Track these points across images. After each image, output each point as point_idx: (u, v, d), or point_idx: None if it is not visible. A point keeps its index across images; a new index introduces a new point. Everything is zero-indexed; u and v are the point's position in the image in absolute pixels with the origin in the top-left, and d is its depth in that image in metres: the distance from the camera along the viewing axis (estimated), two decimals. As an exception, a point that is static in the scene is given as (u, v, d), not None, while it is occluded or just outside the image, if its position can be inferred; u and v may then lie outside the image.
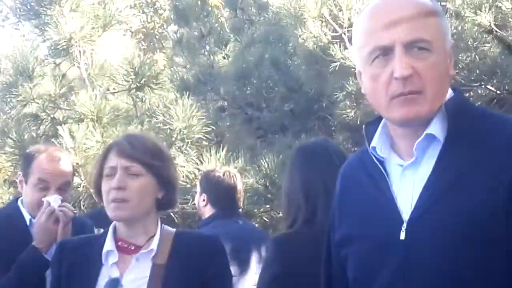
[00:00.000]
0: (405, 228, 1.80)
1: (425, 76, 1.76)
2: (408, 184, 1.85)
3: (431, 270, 1.78)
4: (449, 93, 1.88)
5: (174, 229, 2.53)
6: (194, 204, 4.96)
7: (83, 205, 5.70)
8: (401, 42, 1.75)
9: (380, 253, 1.85)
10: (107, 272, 2.39)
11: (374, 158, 1.89)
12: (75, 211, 3.23)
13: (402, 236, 1.80)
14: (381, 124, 1.91)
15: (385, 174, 1.88)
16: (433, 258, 1.77)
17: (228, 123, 7.50)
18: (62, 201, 2.91)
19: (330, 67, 6.49)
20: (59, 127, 6.82)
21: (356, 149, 4.74)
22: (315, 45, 6.78)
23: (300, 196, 2.88)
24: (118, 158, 2.43)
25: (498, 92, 6.70)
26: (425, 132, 1.79)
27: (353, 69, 6.85)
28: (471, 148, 1.79)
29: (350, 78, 6.43)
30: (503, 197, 1.71)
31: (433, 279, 1.77)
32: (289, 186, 3.05)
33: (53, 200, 2.97)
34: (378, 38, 1.79)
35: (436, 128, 1.79)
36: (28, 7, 7.08)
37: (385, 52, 1.77)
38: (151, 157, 2.47)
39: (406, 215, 1.79)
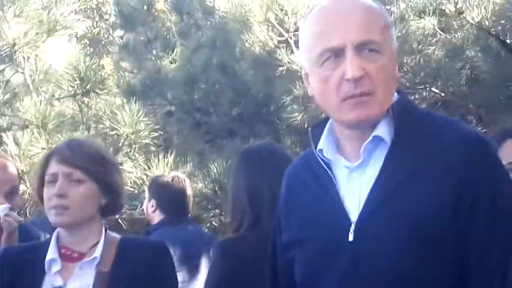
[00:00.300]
0: (353, 229, 1.80)
1: (376, 78, 1.77)
2: (355, 186, 1.86)
3: (379, 271, 1.78)
4: (394, 95, 1.91)
5: (119, 236, 2.51)
6: (143, 210, 4.94)
7: (29, 212, 5.65)
8: (351, 43, 1.75)
9: (328, 255, 1.85)
10: (50, 281, 2.37)
11: (320, 160, 1.88)
12: (21, 220, 3.19)
13: (351, 237, 1.80)
14: (327, 126, 1.91)
15: (332, 176, 1.87)
16: (381, 259, 1.78)
17: (176, 128, 7.49)
18: (10, 209, 2.87)
19: (277, 71, 6.54)
20: (3, 134, 6.77)
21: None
22: (261, 50, 6.84)
23: (245, 200, 2.89)
24: (59, 165, 2.42)
25: (443, 94, 6.80)
26: (372, 134, 1.79)
27: (299, 73, 6.93)
28: (417, 151, 1.81)
29: (297, 82, 6.45)
30: (448, 199, 1.73)
31: (380, 281, 1.78)
32: (234, 190, 3.05)
33: (1, 209, 2.94)
34: (328, 40, 1.79)
35: (383, 130, 1.81)
36: None
37: (336, 53, 1.76)
38: (93, 163, 2.46)
39: (354, 216, 1.80)
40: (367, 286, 1.79)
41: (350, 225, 1.80)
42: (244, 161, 3.07)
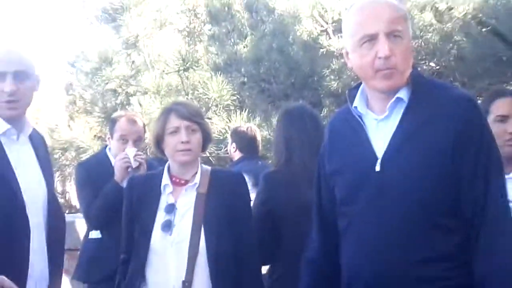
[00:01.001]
0: (379, 163, 1.76)
1: (399, 56, 1.73)
2: (381, 132, 1.80)
3: (399, 193, 1.73)
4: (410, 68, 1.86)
5: (210, 167, 2.47)
6: (226, 150, 4.94)
7: (149, 152, 5.76)
8: (383, 31, 1.72)
9: (361, 181, 1.80)
10: (165, 199, 2.37)
11: (355, 113, 1.83)
12: (145, 157, 3.22)
13: (378, 168, 1.76)
14: (360, 89, 1.86)
15: (363, 124, 1.82)
16: (401, 184, 1.73)
17: (247, 93, 7.25)
18: (137, 151, 2.92)
19: (319, 52, 6.36)
20: (131, 98, 6.84)
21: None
22: (308, 37, 6.67)
23: (282, 145, 2.81)
24: (181, 120, 2.36)
25: (437, 67, 6.57)
26: (396, 96, 1.75)
27: (335, 53, 6.60)
28: (426, 107, 1.76)
29: (334, 59, 6.28)
30: (450, 142, 1.69)
31: (399, 200, 1.73)
32: (276, 138, 2.98)
33: (131, 151, 2.98)
34: (367, 28, 1.76)
35: (404, 93, 1.77)
36: (107, 14, 7.07)
37: (372, 38, 1.73)
38: (200, 118, 2.41)
39: (380, 154, 1.76)
40: (388, 203, 1.74)
41: (377, 159, 1.75)
42: (282, 117, 2.99)
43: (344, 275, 1.85)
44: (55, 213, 2.33)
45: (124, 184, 2.75)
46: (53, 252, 2.28)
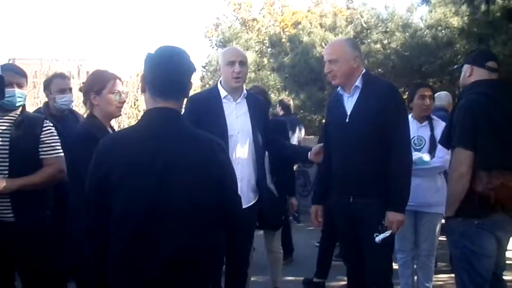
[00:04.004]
0: (348, 117, 2.55)
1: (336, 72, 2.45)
2: (349, 103, 2.56)
3: (356, 133, 2.53)
4: (363, 70, 2.62)
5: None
6: (276, 111, 6.03)
7: None
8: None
9: (339, 127, 2.58)
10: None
11: (339, 93, 2.57)
12: None
13: (347, 120, 2.55)
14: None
15: (342, 99, 2.59)
16: (358, 128, 2.51)
17: (288, 82, 9.08)
18: None
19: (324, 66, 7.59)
20: None
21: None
22: (319, 55, 8.24)
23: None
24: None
25: (382, 72, 8.34)
26: (355, 84, 2.50)
27: None
28: (370, 92, 2.49)
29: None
30: (379, 107, 2.45)
31: (356, 135, 2.54)
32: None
33: None
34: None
35: (360, 83, 2.52)
36: (221, 42, 9.57)
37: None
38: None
39: (348, 113, 2.55)
40: (351, 137, 2.55)
41: (347, 116, 2.57)
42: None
43: (332, 174, 2.71)
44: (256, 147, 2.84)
45: None
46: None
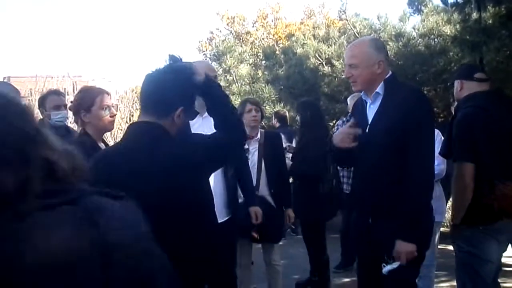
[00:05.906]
0: (368, 128, 2.32)
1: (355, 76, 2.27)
2: (371, 111, 2.36)
3: (375, 143, 2.31)
4: (389, 73, 2.38)
5: (264, 130, 3.09)
6: (271, 122, 6.61)
7: None
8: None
9: (360, 137, 2.36)
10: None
11: (363, 99, 2.38)
12: None
13: (367, 130, 2.34)
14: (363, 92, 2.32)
15: (366, 105, 2.35)
16: (377, 140, 2.30)
17: (282, 94, 9.02)
18: None
19: (318, 74, 8.02)
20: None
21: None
22: (312, 66, 8.24)
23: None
24: (251, 105, 3.20)
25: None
26: (376, 91, 2.30)
27: (326, 74, 8.19)
28: (392, 100, 2.27)
29: (325, 77, 8.06)
30: (403, 123, 2.21)
31: (375, 146, 2.31)
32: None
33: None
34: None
35: (381, 89, 2.30)
36: (215, 56, 9.64)
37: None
38: (260, 105, 3.09)
39: (369, 121, 2.34)
40: (372, 148, 2.31)
41: (368, 125, 2.35)
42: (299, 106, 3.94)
43: (351, 188, 2.77)
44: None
45: None
46: None
